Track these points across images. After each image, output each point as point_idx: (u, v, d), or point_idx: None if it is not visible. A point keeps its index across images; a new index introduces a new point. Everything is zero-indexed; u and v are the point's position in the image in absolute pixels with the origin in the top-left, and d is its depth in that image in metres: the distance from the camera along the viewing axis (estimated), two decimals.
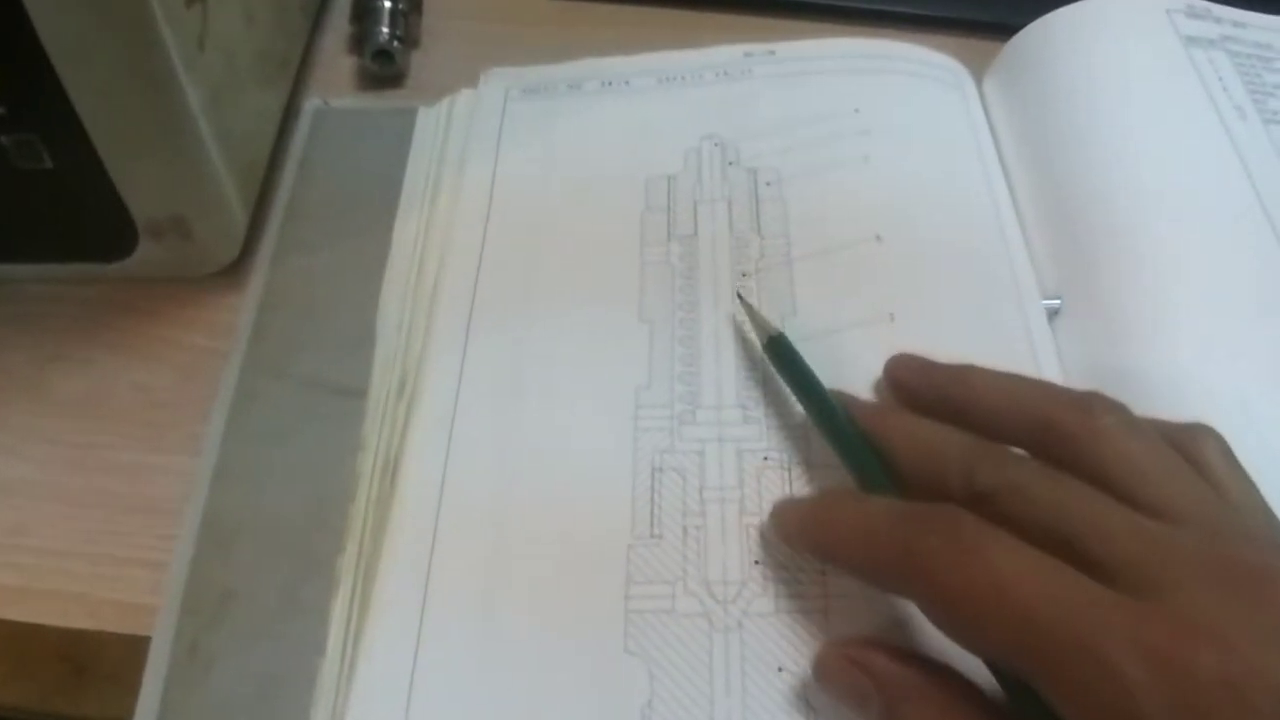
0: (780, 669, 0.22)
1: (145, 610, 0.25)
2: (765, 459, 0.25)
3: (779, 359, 0.25)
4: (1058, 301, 0.29)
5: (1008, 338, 0.27)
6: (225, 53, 0.29)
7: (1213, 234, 0.28)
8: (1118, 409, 0.21)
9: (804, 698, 0.22)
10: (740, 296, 0.27)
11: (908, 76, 0.33)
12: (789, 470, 0.25)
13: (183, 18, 0.26)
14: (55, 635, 0.25)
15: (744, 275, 0.28)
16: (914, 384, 0.24)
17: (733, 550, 0.24)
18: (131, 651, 0.25)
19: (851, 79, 0.32)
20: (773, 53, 0.33)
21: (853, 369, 0.25)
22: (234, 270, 0.31)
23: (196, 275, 0.31)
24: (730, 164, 0.31)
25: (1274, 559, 0.17)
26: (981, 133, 0.32)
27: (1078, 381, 0.26)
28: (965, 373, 0.23)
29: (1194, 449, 0.21)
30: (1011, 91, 0.33)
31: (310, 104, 0.34)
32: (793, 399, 0.25)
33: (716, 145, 0.31)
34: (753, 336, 0.26)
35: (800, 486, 0.24)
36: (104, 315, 0.30)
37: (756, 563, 0.23)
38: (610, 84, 0.33)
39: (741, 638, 0.22)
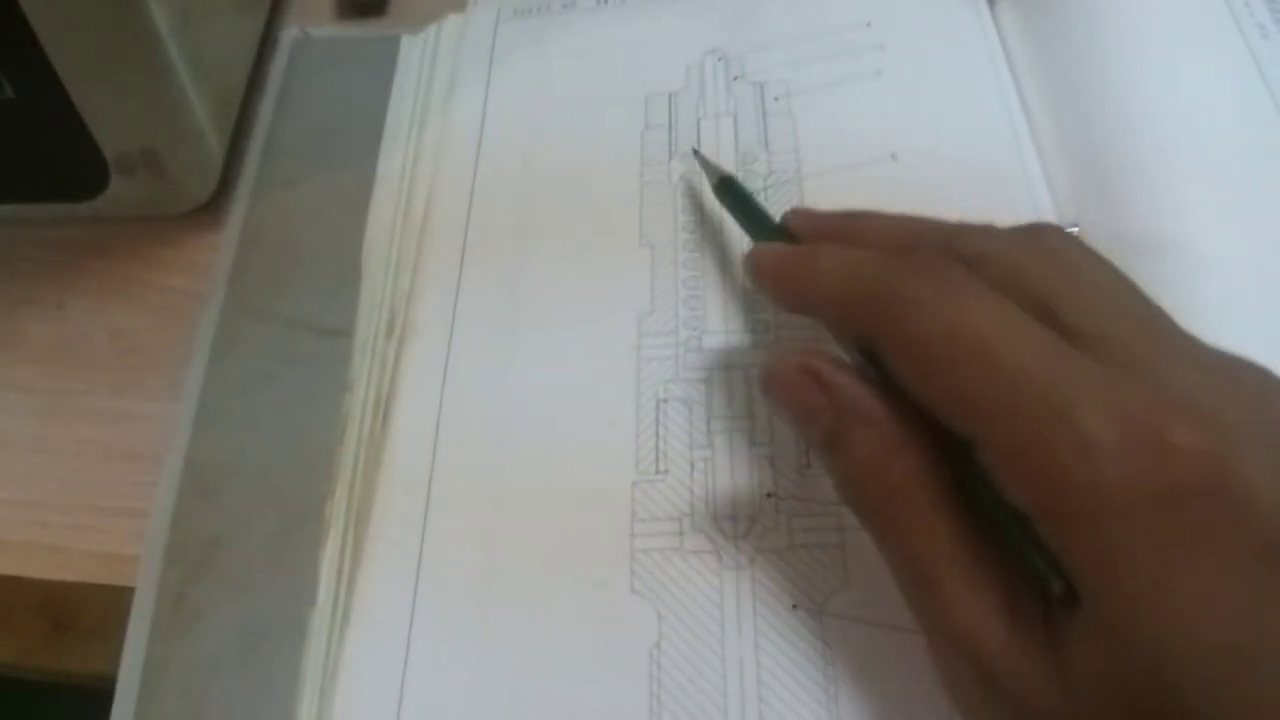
0: (795, 606, 0.21)
1: (127, 561, 0.24)
2: None
3: (730, 198, 0.24)
4: (1076, 229, 0.27)
5: None
6: None
7: (1234, 157, 0.27)
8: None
9: (819, 636, 0.20)
10: (695, 150, 0.26)
11: None
12: None
13: None
14: (33, 588, 0.24)
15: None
16: (806, 233, 0.22)
17: (743, 484, 0.22)
18: (113, 604, 0.24)
19: None
20: None
21: None
22: (212, 208, 0.29)
23: (172, 213, 0.29)
24: (736, 79, 0.29)
25: (1240, 356, 0.17)
26: (995, 49, 0.30)
27: None
28: (860, 215, 0.22)
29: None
30: (1025, 7, 0.31)
31: (288, 33, 0.33)
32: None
33: (720, 60, 0.29)
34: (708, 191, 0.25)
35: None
36: (76, 257, 0.29)
37: (769, 495, 0.22)
38: (606, 0, 0.31)
39: (753, 575, 0.21)
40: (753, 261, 0.21)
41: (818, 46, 0.29)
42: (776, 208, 0.26)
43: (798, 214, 0.23)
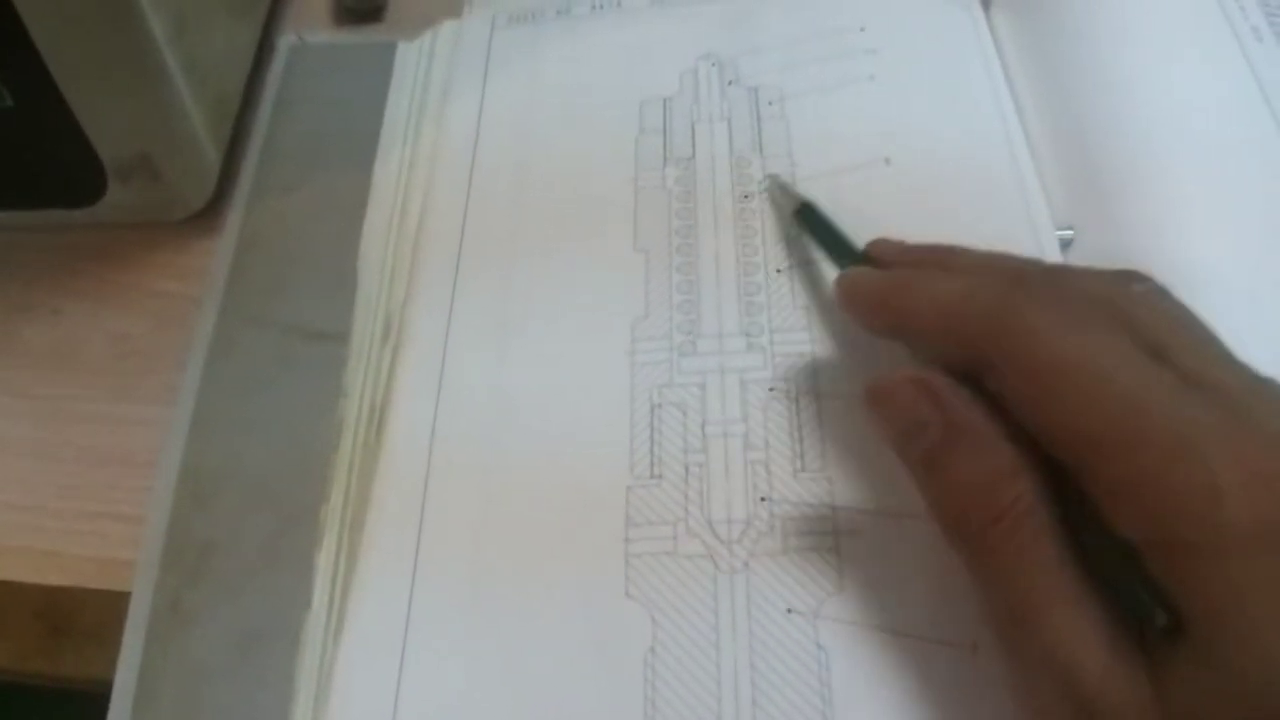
0: (789, 610, 0.21)
1: (123, 565, 0.24)
2: (770, 390, 0.23)
3: (810, 225, 0.25)
4: (1070, 232, 0.27)
5: None
6: None
7: (1229, 161, 0.27)
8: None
9: (814, 640, 0.20)
10: (772, 176, 0.26)
11: None
12: (796, 401, 0.23)
13: None
14: (30, 593, 0.24)
15: (745, 197, 0.26)
16: (896, 258, 0.23)
17: (737, 488, 0.22)
18: (110, 608, 0.24)
19: None
20: None
21: None
22: (209, 214, 0.29)
23: (169, 219, 0.29)
24: (730, 83, 0.29)
25: None
26: (989, 54, 0.30)
27: None
28: (948, 250, 0.22)
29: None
30: (1020, 12, 0.31)
31: (285, 40, 0.33)
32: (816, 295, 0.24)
33: (715, 65, 0.29)
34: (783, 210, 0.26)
35: (808, 418, 0.23)
36: (74, 263, 0.29)
37: (763, 499, 0.22)
38: (601, 6, 0.31)
39: (748, 579, 0.21)
40: (847, 285, 0.21)
41: (811, 51, 0.29)
42: (772, 217, 0.26)
43: (883, 244, 0.23)
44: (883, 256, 0.23)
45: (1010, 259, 0.21)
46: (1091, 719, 0.16)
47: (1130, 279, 0.20)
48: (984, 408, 0.18)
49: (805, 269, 0.25)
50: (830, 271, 0.24)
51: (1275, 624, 0.15)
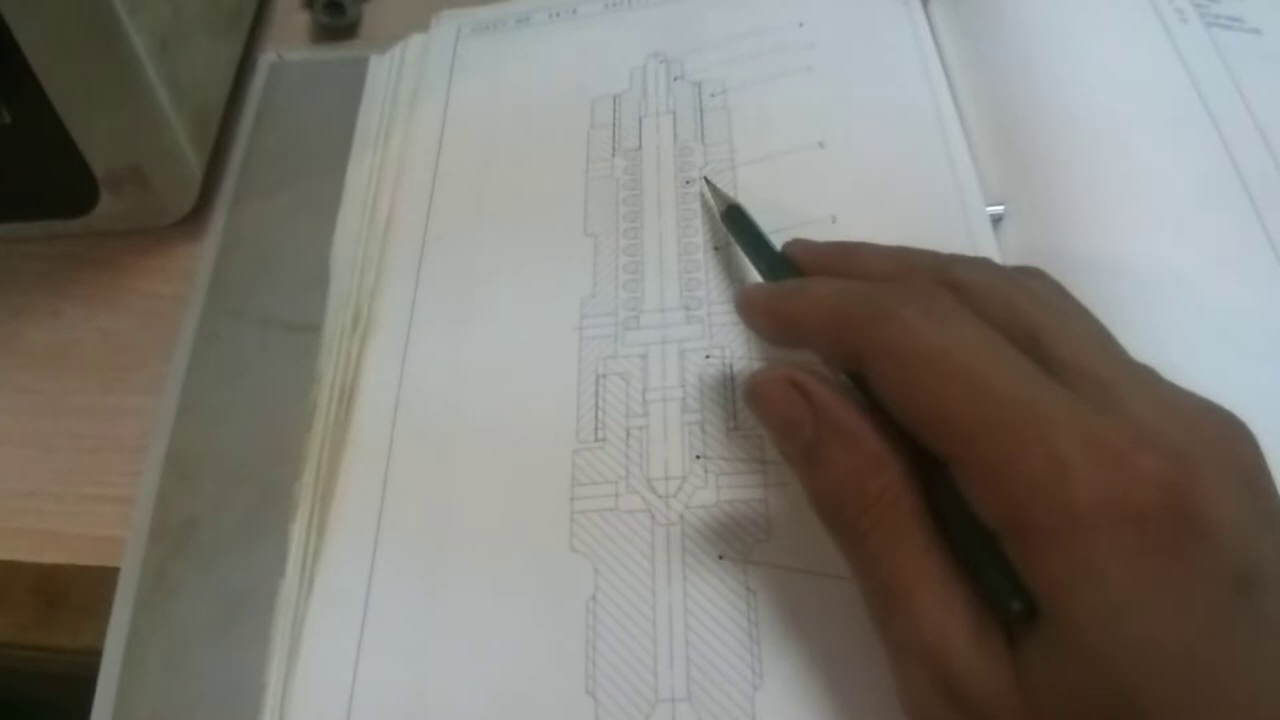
0: (720, 557, 0.22)
1: (114, 542, 0.26)
2: (707, 357, 0.25)
3: (735, 225, 0.25)
4: (1001, 208, 0.28)
5: (950, 242, 0.26)
6: (172, 1, 0.29)
7: (1155, 138, 0.28)
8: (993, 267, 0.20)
9: (743, 583, 0.22)
10: (705, 179, 0.27)
11: None
12: (730, 366, 0.24)
13: None
14: (29, 571, 0.26)
15: (687, 182, 0.28)
16: (804, 261, 0.23)
17: (674, 447, 0.24)
18: (101, 582, 0.25)
19: None
20: None
21: None
22: (193, 219, 0.31)
23: (157, 225, 0.31)
24: (676, 79, 0.31)
25: (1209, 400, 0.17)
26: (926, 44, 0.31)
27: None
28: (855, 246, 0.23)
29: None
30: (957, 4, 0.33)
31: (266, 58, 0.35)
32: (749, 272, 0.25)
33: (662, 62, 0.31)
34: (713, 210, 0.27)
35: (742, 380, 0.24)
36: (70, 268, 0.31)
37: (698, 457, 0.23)
38: (558, 14, 0.33)
39: (683, 529, 0.22)
40: (743, 300, 0.22)
41: (752, 46, 0.31)
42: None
43: (796, 244, 0.24)
44: (797, 257, 0.23)
45: (909, 252, 0.21)
46: (956, 699, 0.16)
47: (1027, 274, 0.20)
48: (856, 403, 0.19)
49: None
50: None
51: (1121, 600, 0.15)
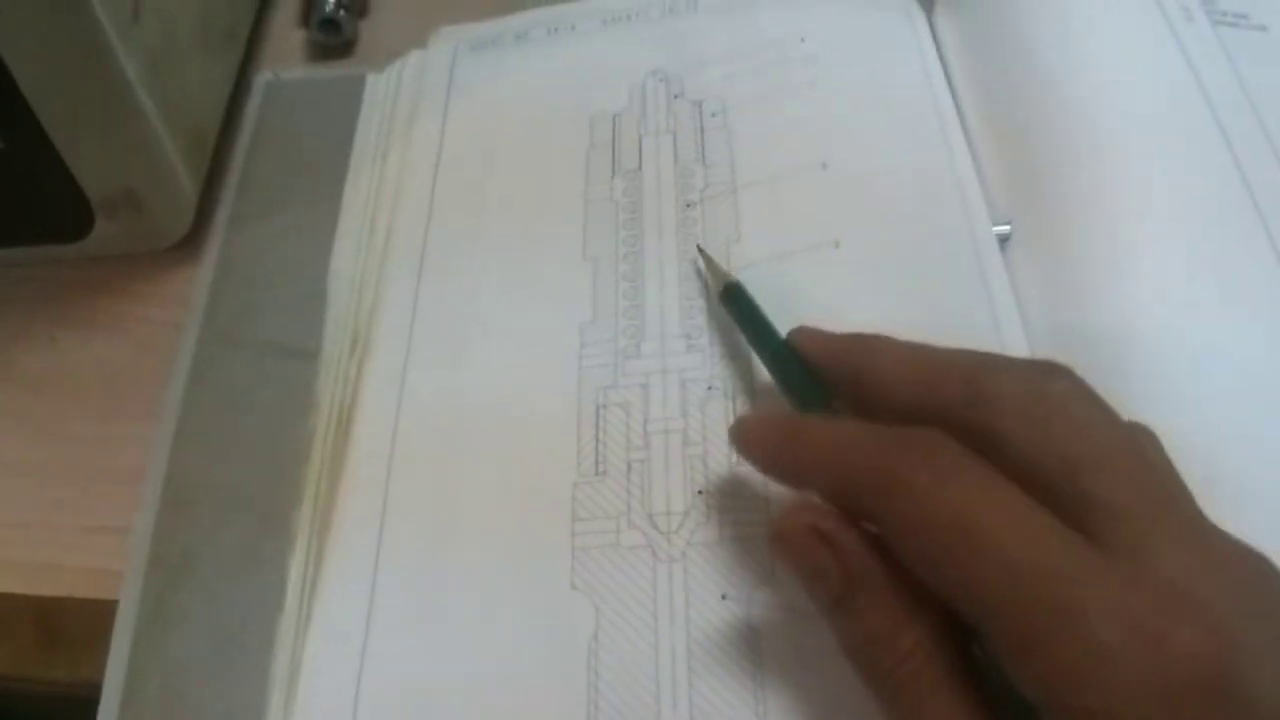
0: (724, 596, 0.22)
1: (112, 575, 0.26)
2: (709, 388, 0.24)
3: (734, 306, 0.24)
4: (1008, 227, 0.28)
5: (957, 263, 0.26)
6: (163, 22, 0.29)
7: (1164, 147, 0.27)
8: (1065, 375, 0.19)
9: (748, 623, 0.21)
10: (700, 249, 0.26)
11: (854, 5, 0.32)
12: (733, 399, 0.24)
13: None
14: (26, 603, 0.26)
15: (688, 205, 0.28)
16: (812, 354, 0.22)
17: (676, 481, 0.23)
18: (99, 616, 0.25)
19: (798, 8, 0.31)
20: None
21: (797, 295, 0.25)
22: (189, 243, 0.31)
23: (152, 249, 0.31)
24: (676, 97, 0.30)
25: (1240, 542, 0.17)
26: (930, 59, 0.31)
27: (1032, 308, 0.25)
28: (870, 345, 0.21)
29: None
30: (961, 16, 0.32)
31: (261, 77, 0.34)
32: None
33: (662, 80, 0.31)
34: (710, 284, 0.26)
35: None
36: (66, 294, 0.31)
37: (700, 492, 0.23)
38: (556, 30, 0.33)
39: (685, 567, 0.22)
40: (739, 435, 0.21)
41: (753, 62, 0.30)
42: (712, 223, 0.27)
43: (803, 333, 0.22)
44: (804, 349, 0.22)
45: (931, 360, 0.20)
46: None
47: (1054, 375, 0.19)
48: (880, 554, 0.18)
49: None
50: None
51: None
